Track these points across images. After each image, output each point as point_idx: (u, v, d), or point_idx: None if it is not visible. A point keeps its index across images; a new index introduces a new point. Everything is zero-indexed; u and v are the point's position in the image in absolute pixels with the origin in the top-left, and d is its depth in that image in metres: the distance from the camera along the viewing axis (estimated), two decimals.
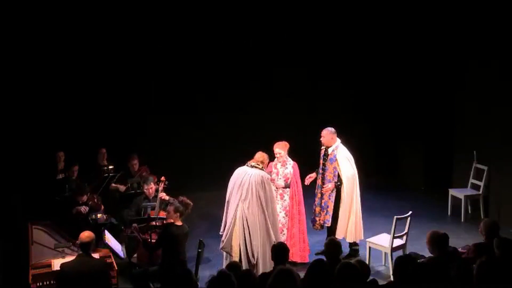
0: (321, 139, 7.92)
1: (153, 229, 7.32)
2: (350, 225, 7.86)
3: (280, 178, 7.86)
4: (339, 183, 7.80)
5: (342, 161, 7.83)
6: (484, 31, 9.36)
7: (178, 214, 6.84)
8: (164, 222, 7.18)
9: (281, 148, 7.81)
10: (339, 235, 7.78)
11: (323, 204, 7.89)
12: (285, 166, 7.88)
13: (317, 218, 7.98)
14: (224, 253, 7.28)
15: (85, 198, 7.88)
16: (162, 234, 6.85)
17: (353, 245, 8.11)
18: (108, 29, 9.84)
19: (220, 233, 7.38)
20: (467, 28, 9.68)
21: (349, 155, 7.91)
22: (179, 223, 6.85)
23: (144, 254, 7.25)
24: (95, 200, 7.91)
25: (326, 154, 7.90)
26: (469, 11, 9.54)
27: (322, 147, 7.97)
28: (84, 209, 7.71)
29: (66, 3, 9.48)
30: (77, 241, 5.90)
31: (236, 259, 6.97)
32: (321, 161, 7.94)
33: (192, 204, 7.21)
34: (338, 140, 7.91)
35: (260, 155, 7.26)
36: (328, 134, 7.86)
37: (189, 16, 10.38)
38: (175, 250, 6.70)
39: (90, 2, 9.66)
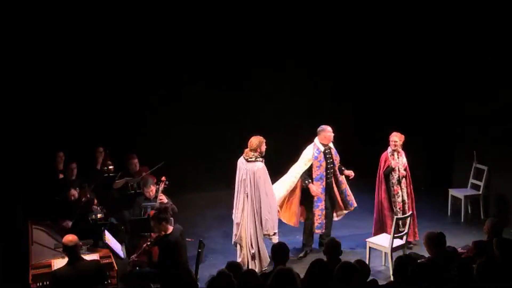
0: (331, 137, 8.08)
1: (147, 252, 7.09)
2: None
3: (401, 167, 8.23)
4: (307, 181, 7.98)
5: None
6: (484, 29, 9.35)
7: (163, 223, 6.67)
8: (155, 237, 6.94)
9: (398, 138, 8.20)
10: None
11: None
12: (401, 156, 8.27)
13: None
14: (238, 246, 7.57)
15: (75, 193, 7.95)
16: (161, 250, 6.70)
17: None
18: (107, 28, 9.81)
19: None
20: (466, 25, 9.67)
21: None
22: (169, 230, 6.72)
23: (144, 254, 7.22)
24: (88, 195, 7.89)
25: (329, 152, 8.09)
26: (468, 9, 9.54)
27: (326, 146, 8.06)
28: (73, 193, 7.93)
29: (66, 3, 9.47)
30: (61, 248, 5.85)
31: (245, 249, 7.41)
32: (326, 161, 8.06)
33: (167, 204, 7.44)
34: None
35: (255, 141, 7.45)
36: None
37: (189, 15, 10.37)
38: (178, 256, 6.64)
39: (90, 2, 9.65)
